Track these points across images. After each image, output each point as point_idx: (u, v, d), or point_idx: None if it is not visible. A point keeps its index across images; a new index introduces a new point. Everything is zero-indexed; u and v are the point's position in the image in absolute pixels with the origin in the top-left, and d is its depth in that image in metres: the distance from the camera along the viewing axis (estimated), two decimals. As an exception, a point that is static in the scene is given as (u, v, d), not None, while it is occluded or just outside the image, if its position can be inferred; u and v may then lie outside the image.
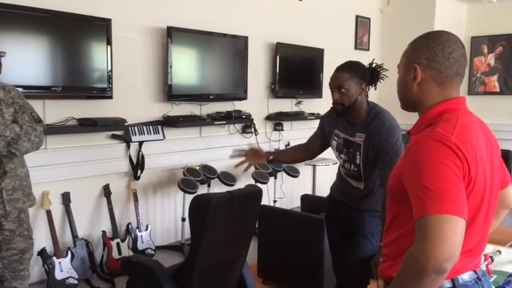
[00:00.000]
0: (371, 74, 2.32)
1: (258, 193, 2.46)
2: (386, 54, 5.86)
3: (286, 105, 5.19)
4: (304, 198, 3.90)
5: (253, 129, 4.74)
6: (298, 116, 5.18)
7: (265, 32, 4.83)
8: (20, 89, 2.56)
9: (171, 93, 3.95)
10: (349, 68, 2.25)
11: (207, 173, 4.13)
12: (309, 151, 2.64)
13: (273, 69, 4.94)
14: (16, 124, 2.35)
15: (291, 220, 3.33)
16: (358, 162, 2.31)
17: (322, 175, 5.20)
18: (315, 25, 5.39)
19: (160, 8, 3.92)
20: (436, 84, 1.34)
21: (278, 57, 4.86)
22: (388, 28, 6.33)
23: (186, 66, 4.12)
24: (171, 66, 3.91)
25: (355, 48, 6.07)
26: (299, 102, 5.30)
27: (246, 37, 4.52)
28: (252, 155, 2.56)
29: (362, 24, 6.12)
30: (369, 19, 6.21)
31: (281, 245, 3.28)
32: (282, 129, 5.05)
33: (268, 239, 3.36)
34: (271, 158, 2.62)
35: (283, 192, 5.05)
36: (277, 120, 5.02)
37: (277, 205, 4.71)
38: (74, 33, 3.35)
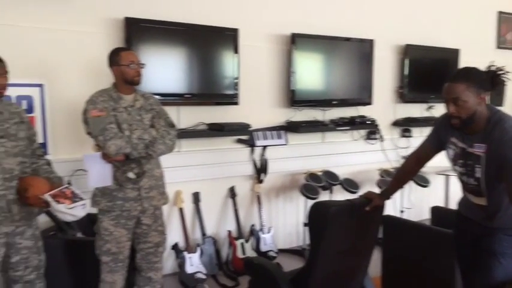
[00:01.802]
0: (491, 80, 2.04)
1: (381, 202, 2.34)
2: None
3: (416, 110, 4.88)
4: (435, 210, 3.60)
5: (378, 135, 4.55)
6: (428, 122, 4.83)
7: (393, 33, 4.61)
8: (157, 97, 2.80)
9: (294, 99, 3.99)
10: (466, 77, 1.99)
11: (329, 179, 4.07)
12: (422, 162, 2.40)
13: (401, 73, 4.69)
14: (153, 128, 2.57)
15: (419, 233, 3.10)
16: (477, 175, 2.05)
17: (457, 186, 4.77)
18: (448, 24, 5.00)
19: (284, 16, 3.99)
20: None
21: (407, 59, 4.61)
22: (539, 22, 5.60)
23: (310, 72, 4.13)
24: (294, 72, 3.95)
25: (498, 47, 5.48)
26: (430, 107, 4.95)
27: (372, 40, 4.37)
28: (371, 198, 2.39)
29: (505, 20, 5.50)
30: (515, 14, 5.57)
31: (408, 259, 3.07)
32: (411, 136, 4.77)
33: (393, 252, 3.17)
34: (390, 197, 2.45)
35: (412, 203, 4.75)
36: (405, 126, 4.76)
37: (405, 216, 4.44)
38: (206, 44, 3.57)
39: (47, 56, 3.01)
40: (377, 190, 3.94)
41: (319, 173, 4.09)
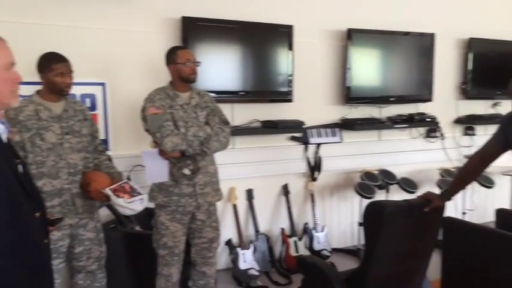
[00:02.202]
0: None
1: (440, 203, 2.24)
2: None
3: (480, 107, 4.63)
4: (500, 212, 3.39)
5: (439, 133, 4.37)
6: (494, 120, 4.57)
7: (455, 27, 4.40)
8: (212, 94, 2.84)
9: (349, 96, 3.91)
10: None
11: (385, 178, 3.96)
12: (486, 162, 2.27)
13: (464, 68, 4.47)
14: (208, 126, 2.61)
15: (482, 236, 2.93)
16: None
17: (525, 187, 4.49)
18: (518, 14, 4.70)
19: (340, 11, 3.92)
20: None
21: (471, 53, 4.39)
22: None
23: (366, 68, 4.03)
24: (350, 69, 3.87)
25: None
26: (496, 104, 4.67)
27: (433, 34, 4.19)
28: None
29: None
30: None
31: (469, 263, 2.92)
32: (474, 134, 4.53)
33: (454, 255, 3.02)
34: (451, 198, 2.34)
35: (475, 204, 4.52)
36: (468, 123, 4.53)
37: (467, 218, 4.24)
38: (260, 41, 3.58)
39: (108, 56, 3.13)
40: (437, 190, 3.77)
41: (375, 172, 3.98)
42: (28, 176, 1.54)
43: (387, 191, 3.99)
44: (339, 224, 4.17)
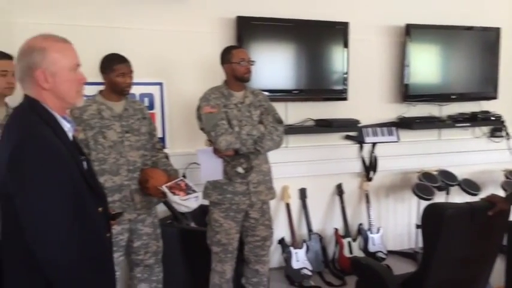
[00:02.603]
0: None
1: (506, 206, 2.11)
2: None
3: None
4: None
5: (504, 132, 4.13)
6: None
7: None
8: (266, 93, 2.85)
9: (407, 94, 3.80)
10: None
11: (445, 179, 3.80)
12: None
13: (533, 63, 4.20)
14: (261, 124, 2.62)
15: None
16: None
17: None
18: None
19: (398, 6, 3.80)
20: None
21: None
22: None
23: (425, 65, 3.89)
24: (408, 65, 3.75)
25: None
26: None
27: (498, 28, 3.97)
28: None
29: None
30: None
31: (537, 271, 2.75)
32: (545, 134, 4.25)
33: (520, 261, 2.86)
34: None
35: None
36: (539, 122, 4.25)
37: (534, 222, 3.98)
38: (314, 39, 3.55)
39: (166, 56, 3.22)
40: (501, 193, 3.59)
41: (434, 173, 3.84)
42: (92, 172, 1.62)
43: (447, 193, 3.83)
44: (395, 225, 4.06)
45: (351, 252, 3.65)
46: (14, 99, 2.27)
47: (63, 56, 1.42)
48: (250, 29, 3.31)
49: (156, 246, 2.57)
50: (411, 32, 3.73)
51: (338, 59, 3.59)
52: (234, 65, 2.58)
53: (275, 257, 3.60)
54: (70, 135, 1.50)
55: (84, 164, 1.53)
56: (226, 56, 2.63)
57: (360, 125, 3.70)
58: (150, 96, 3.20)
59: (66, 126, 1.48)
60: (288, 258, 3.46)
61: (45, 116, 1.42)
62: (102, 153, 2.35)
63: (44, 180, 1.32)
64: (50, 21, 2.78)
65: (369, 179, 3.86)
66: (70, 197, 1.36)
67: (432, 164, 3.94)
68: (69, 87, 1.45)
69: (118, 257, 2.39)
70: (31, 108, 1.42)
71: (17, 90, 2.25)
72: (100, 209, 1.54)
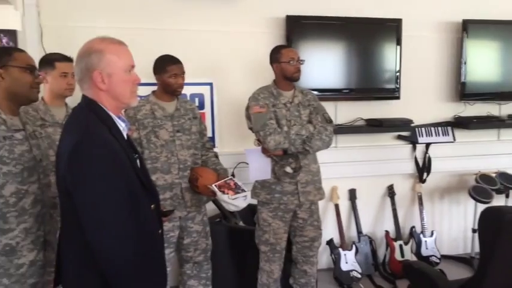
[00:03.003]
0: None
1: None
2: None
3: None
4: None
5: None
6: None
7: None
8: (315, 92, 2.82)
9: (464, 92, 3.64)
10: None
11: (505, 182, 3.61)
12: None
13: None
14: (310, 124, 2.60)
15: None
16: None
17: None
18: None
19: (454, 2, 3.65)
20: None
21: None
22: None
23: (484, 62, 3.70)
24: (465, 63, 3.59)
25: None
26: None
27: None
28: None
29: None
30: None
31: None
32: None
33: None
34: None
35: None
36: None
37: None
38: (365, 37, 3.47)
39: (216, 57, 3.27)
40: None
41: (493, 175, 3.65)
42: (145, 170, 1.67)
43: (507, 196, 3.64)
44: (450, 229, 3.91)
45: (402, 255, 3.55)
46: (73, 100, 2.39)
47: (118, 58, 1.47)
48: (299, 28, 3.29)
49: (206, 244, 2.61)
50: (468, 27, 3.57)
51: (390, 57, 3.50)
52: (283, 64, 2.57)
53: (323, 258, 3.56)
54: (125, 134, 1.55)
55: (138, 162, 1.58)
56: (275, 55, 2.62)
57: (413, 124, 3.59)
58: (200, 96, 3.26)
59: (121, 125, 1.53)
60: (336, 260, 3.41)
61: (102, 115, 1.47)
62: (154, 152, 2.41)
63: (101, 177, 1.37)
64: (105, 25, 2.91)
65: (422, 181, 3.74)
66: (125, 193, 1.41)
67: (490, 166, 3.75)
68: (124, 88, 1.50)
69: (169, 253, 2.45)
70: (89, 108, 1.48)
71: (76, 92, 2.36)
72: (152, 206, 1.58)
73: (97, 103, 1.48)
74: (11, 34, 2.81)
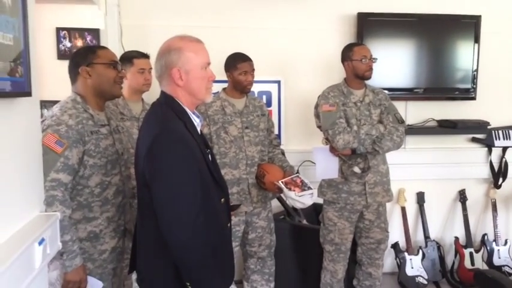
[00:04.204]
0: None
1: None
2: None
3: None
4: None
5: None
6: None
7: None
8: (386, 92, 2.75)
9: (548, 93, 3.39)
10: None
11: None
12: None
13: None
14: (381, 124, 2.54)
15: None
16: None
17: None
18: None
19: (541, -5, 3.41)
20: None
21: None
22: None
23: None
24: (551, 62, 3.35)
25: None
26: None
27: None
28: None
29: None
30: None
31: None
32: None
33: None
34: None
35: None
36: None
37: None
38: (439, 34, 3.33)
39: (284, 54, 3.27)
40: None
41: None
42: (215, 165, 1.71)
43: None
44: (526, 239, 3.66)
45: (472, 263, 3.38)
46: (149, 96, 2.49)
47: (196, 55, 1.52)
48: (370, 26, 3.22)
49: (270, 240, 2.64)
50: (556, 24, 3.32)
51: (466, 55, 3.33)
52: (355, 62, 2.53)
53: (387, 261, 3.47)
54: (199, 129, 1.60)
55: (209, 156, 1.63)
56: (347, 53, 2.59)
57: (489, 127, 3.40)
58: (268, 93, 3.28)
59: (196, 120, 1.58)
60: (401, 264, 3.31)
61: (179, 111, 1.53)
62: (223, 147, 2.47)
63: (176, 170, 1.42)
64: (180, 23, 3.00)
65: (498, 186, 3.53)
66: (198, 186, 1.45)
67: None
68: (200, 84, 1.54)
69: (234, 247, 2.49)
70: (167, 103, 1.54)
71: (152, 87, 2.47)
72: (222, 200, 1.62)
73: (174, 99, 1.53)
74: (94, 33, 2.99)
